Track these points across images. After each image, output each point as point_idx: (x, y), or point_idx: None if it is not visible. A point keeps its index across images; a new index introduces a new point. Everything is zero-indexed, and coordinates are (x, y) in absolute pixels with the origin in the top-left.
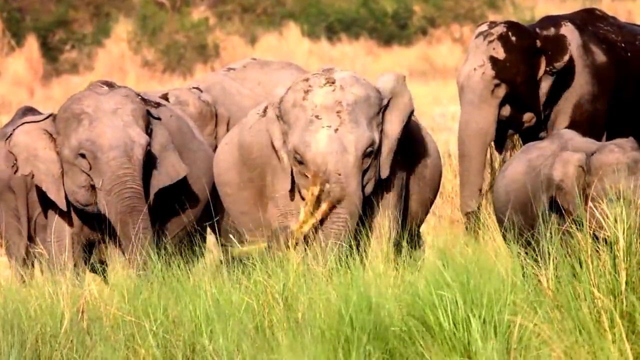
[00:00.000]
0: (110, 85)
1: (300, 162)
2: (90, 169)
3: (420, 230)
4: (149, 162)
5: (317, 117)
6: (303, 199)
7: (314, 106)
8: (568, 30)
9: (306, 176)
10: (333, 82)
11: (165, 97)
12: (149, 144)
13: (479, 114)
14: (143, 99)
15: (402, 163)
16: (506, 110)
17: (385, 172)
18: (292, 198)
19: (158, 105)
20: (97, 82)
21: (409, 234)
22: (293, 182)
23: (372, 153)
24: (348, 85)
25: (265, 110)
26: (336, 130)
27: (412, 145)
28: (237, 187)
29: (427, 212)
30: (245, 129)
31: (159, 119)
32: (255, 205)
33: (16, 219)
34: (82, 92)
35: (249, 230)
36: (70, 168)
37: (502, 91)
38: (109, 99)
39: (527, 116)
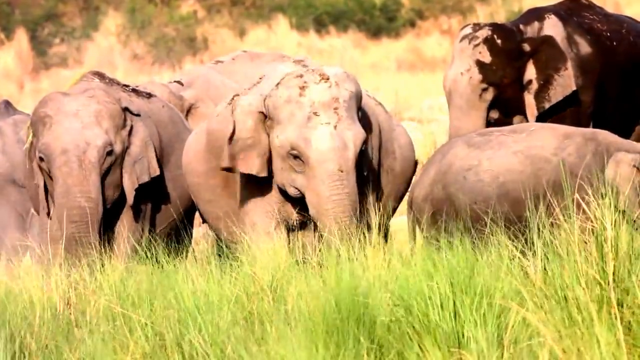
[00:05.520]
0: (102, 76)
1: (296, 157)
2: (49, 172)
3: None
4: (127, 159)
5: (315, 113)
6: (284, 193)
7: (311, 103)
8: (551, 23)
9: (296, 171)
10: (327, 79)
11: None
12: (110, 144)
13: (469, 120)
14: (134, 91)
15: (372, 155)
16: (495, 113)
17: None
18: (260, 187)
19: (150, 96)
20: (88, 73)
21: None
22: (269, 170)
23: (365, 150)
24: (342, 81)
25: (233, 100)
26: (335, 127)
27: (382, 138)
28: (204, 175)
29: (398, 204)
30: (213, 117)
31: (138, 115)
32: (222, 194)
33: (15, 213)
34: (50, 94)
35: (215, 219)
36: (41, 171)
37: (489, 95)
38: (72, 101)
39: (517, 119)
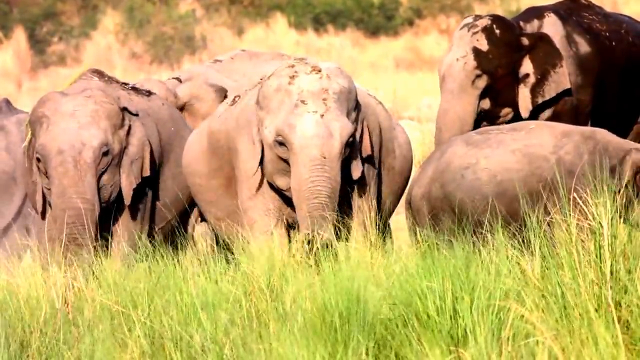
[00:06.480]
0: (101, 74)
1: (282, 144)
2: (46, 173)
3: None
4: (125, 159)
5: (302, 102)
6: (283, 195)
7: (300, 91)
8: (551, 22)
9: (284, 161)
10: (319, 71)
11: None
12: (106, 144)
13: (458, 103)
14: (134, 89)
15: (372, 154)
16: (485, 103)
17: (357, 173)
18: (259, 186)
19: (149, 94)
20: (87, 71)
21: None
22: (261, 162)
23: (352, 143)
24: (334, 75)
25: (234, 100)
26: (322, 116)
27: (383, 137)
28: (206, 176)
29: (397, 203)
30: (215, 117)
31: (137, 115)
32: (224, 194)
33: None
34: (48, 94)
35: (217, 220)
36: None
37: (482, 83)
38: (69, 101)
39: (505, 111)
